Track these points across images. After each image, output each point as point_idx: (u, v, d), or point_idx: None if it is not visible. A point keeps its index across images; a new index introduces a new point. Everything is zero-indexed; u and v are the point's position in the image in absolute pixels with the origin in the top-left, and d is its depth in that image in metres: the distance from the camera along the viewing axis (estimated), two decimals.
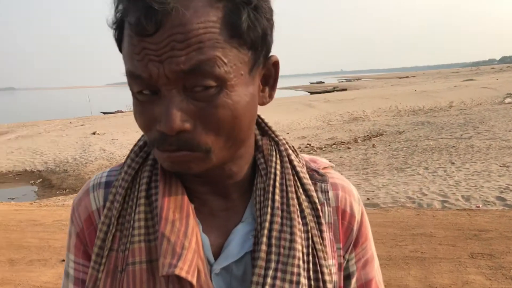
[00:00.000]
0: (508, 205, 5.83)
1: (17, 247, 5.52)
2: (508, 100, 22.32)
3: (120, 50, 0.63)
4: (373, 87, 47.39)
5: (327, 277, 0.69)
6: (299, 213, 0.70)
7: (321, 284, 0.68)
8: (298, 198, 0.72)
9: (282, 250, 0.67)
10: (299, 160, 0.77)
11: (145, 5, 0.55)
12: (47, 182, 11.86)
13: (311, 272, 0.68)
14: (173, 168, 0.64)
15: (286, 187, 0.72)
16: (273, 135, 0.77)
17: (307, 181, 0.74)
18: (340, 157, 10.65)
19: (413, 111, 20.45)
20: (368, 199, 6.64)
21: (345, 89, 46.70)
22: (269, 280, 0.65)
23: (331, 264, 0.72)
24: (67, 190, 10.43)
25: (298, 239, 0.68)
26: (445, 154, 9.60)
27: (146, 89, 0.60)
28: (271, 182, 0.71)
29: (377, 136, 13.61)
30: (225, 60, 0.58)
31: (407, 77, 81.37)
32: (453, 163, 8.67)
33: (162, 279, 0.64)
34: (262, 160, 0.74)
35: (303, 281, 0.66)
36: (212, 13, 0.57)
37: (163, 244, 0.63)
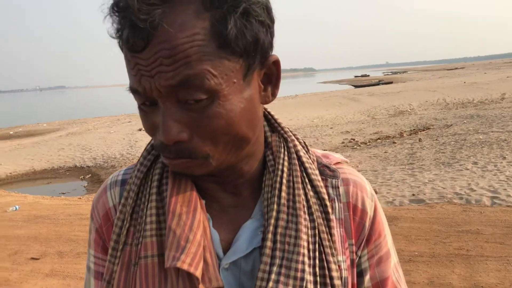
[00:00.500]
0: None
1: (66, 240, 5.75)
2: None
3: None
4: (420, 79, 46.11)
5: (334, 273, 0.68)
6: (306, 210, 0.70)
7: (328, 280, 0.68)
8: (305, 194, 0.72)
9: (287, 246, 0.67)
10: (309, 156, 0.77)
11: (132, 23, 0.57)
12: (95, 177, 12.27)
13: (317, 268, 0.68)
14: (177, 171, 0.68)
15: (293, 183, 0.71)
16: (282, 132, 0.77)
17: (316, 177, 0.74)
18: (385, 152, 10.44)
19: (461, 104, 19.73)
20: (413, 194, 6.48)
21: (391, 82, 45.67)
22: (273, 276, 0.65)
23: (340, 260, 0.71)
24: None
25: (304, 236, 0.68)
26: (496, 148, 9.21)
27: (146, 101, 0.62)
28: (278, 179, 0.71)
29: (423, 130, 13.22)
30: (215, 72, 0.59)
31: (456, 68, 78.69)
32: (505, 157, 8.31)
33: (172, 272, 0.66)
34: (271, 157, 0.74)
35: (308, 277, 0.66)
36: (198, 24, 0.57)
37: (169, 237, 0.65)
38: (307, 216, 0.70)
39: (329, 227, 0.71)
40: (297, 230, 0.68)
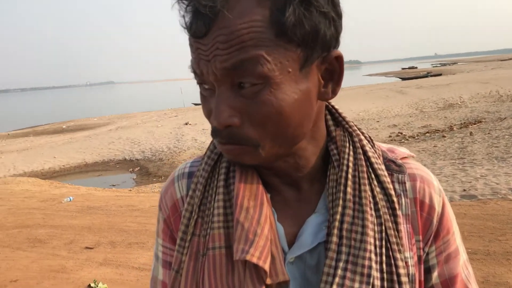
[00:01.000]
0: None
1: (118, 230, 5.95)
2: None
3: None
4: (471, 71, 44.42)
5: (401, 270, 0.67)
6: (372, 205, 0.69)
7: (395, 277, 0.67)
8: (372, 190, 0.71)
9: (353, 242, 0.67)
10: (375, 151, 0.75)
11: (195, 9, 0.60)
12: (144, 170, 12.58)
13: (384, 265, 0.67)
14: (230, 158, 0.69)
15: (359, 178, 0.71)
16: (346, 126, 0.76)
17: (382, 172, 0.73)
18: (434, 146, 10.15)
19: None
20: (464, 190, 6.28)
21: (440, 74, 44.23)
22: (339, 271, 0.65)
23: (407, 257, 0.70)
24: (162, 178, 11.03)
25: (370, 232, 0.67)
26: None
27: (204, 83, 0.65)
28: (343, 174, 0.71)
29: (475, 124, 12.75)
30: (269, 58, 0.59)
31: (510, 59, 75.30)
32: None
33: (240, 264, 0.67)
34: (335, 151, 0.74)
35: (375, 273, 0.66)
36: (258, 12, 0.59)
37: (237, 230, 0.66)
38: (373, 212, 0.69)
39: (396, 223, 0.70)
40: (363, 226, 0.67)
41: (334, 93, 0.69)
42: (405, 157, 0.78)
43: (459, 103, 18.55)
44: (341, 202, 0.69)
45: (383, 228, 0.69)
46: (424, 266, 0.74)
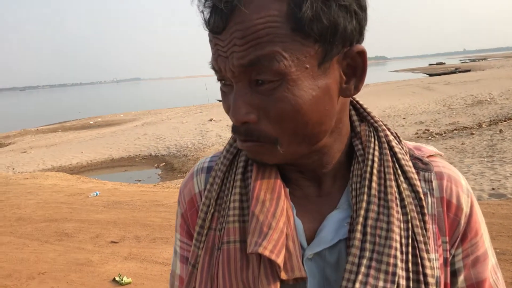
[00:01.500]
0: None
1: (142, 225, 6.02)
2: None
3: None
4: (501, 66, 43.31)
5: (428, 271, 0.64)
6: (398, 202, 0.67)
7: (421, 277, 0.64)
8: (398, 186, 0.68)
9: (377, 239, 0.64)
10: (401, 147, 0.73)
11: (212, 5, 0.60)
12: (169, 166, 12.73)
13: (410, 264, 0.64)
14: (251, 157, 0.68)
15: (385, 174, 0.68)
16: (372, 121, 0.74)
17: (410, 169, 0.70)
18: (462, 143, 9.95)
19: None
20: (493, 188, 6.13)
21: (469, 70, 43.26)
22: (363, 269, 0.63)
23: (433, 258, 0.67)
24: (187, 174, 11.12)
25: (396, 229, 0.64)
26: None
27: (223, 80, 0.65)
28: (368, 169, 0.68)
29: (505, 121, 12.44)
30: (285, 55, 0.58)
31: None
32: None
33: (254, 258, 0.65)
34: (360, 147, 0.71)
35: (400, 272, 0.63)
36: (275, 7, 0.58)
37: (252, 223, 0.65)
38: (399, 209, 0.66)
39: (424, 222, 0.67)
40: (388, 223, 0.64)
41: (357, 89, 0.66)
42: (432, 155, 0.75)
43: (489, 99, 18.12)
44: (365, 197, 0.66)
45: (410, 226, 0.66)
46: (450, 269, 0.71)
